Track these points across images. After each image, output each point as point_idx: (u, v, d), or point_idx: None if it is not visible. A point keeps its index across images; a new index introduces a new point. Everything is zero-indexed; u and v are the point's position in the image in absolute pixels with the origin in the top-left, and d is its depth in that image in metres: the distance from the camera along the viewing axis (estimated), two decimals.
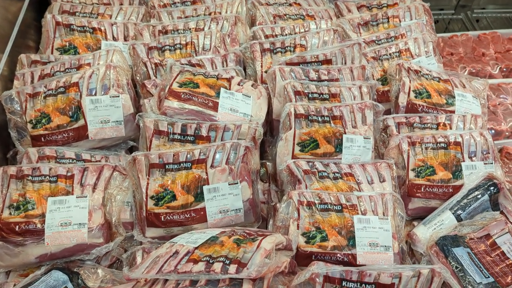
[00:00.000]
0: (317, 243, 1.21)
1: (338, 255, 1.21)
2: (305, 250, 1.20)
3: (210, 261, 1.02)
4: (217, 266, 1.00)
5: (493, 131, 1.75)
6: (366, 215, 1.26)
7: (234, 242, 1.08)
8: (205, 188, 1.27)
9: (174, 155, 1.29)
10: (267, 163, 1.49)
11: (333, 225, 1.23)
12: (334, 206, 1.26)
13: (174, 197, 1.27)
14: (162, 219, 1.26)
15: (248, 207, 1.30)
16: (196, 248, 1.08)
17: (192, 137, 1.34)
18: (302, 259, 1.21)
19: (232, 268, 0.98)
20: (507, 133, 1.75)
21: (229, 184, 1.28)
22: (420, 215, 1.43)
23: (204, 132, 1.34)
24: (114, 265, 1.32)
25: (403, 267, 1.05)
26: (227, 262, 1.00)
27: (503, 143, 1.71)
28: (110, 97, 1.39)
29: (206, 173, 1.28)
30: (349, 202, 1.28)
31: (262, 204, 1.43)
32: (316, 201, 1.26)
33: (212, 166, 1.29)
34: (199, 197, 1.27)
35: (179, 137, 1.34)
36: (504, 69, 2.04)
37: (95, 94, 1.39)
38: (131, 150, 1.51)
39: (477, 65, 2.02)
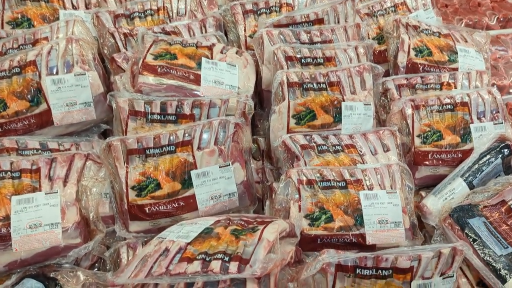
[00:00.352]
0: (322, 225, 1.10)
1: (346, 236, 1.10)
2: (309, 233, 1.10)
3: (207, 259, 0.90)
4: (216, 265, 0.88)
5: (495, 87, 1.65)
6: (373, 190, 1.15)
7: (232, 234, 0.96)
8: (193, 173, 1.14)
9: (154, 138, 1.15)
10: (259, 138, 1.36)
11: (338, 204, 1.12)
12: (338, 183, 1.15)
13: (158, 186, 1.13)
14: (147, 211, 1.13)
15: (242, 190, 1.18)
16: (188, 243, 0.96)
17: (173, 117, 1.20)
18: (306, 243, 1.10)
19: (233, 267, 0.87)
20: (510, 89, 1.65)
21: (219, 167, 1.15)
22: (428, 184, 1.34)
23: (187, 110, 1.20)
24: (96, 264, 1.19)
25: (422, 248, 0.96)
26: (227, 259, 0.89)
27: (506, 99, 1.62)
28: (74, 75, 1.22)
29: (193, 156, 1.14)
30: (353, 177, 1.17)
31: (257, 184, 1.31)
32: (318, 179, 1.15)
33: (199, 148, 1.15)
34: (187, 183, 1.14)
35: (158, 117, 1.19)
36: (502, 19, 1.93)
37: (57, 73, 1.22)
38: (105, 134, 1.35)
39: (473, 16, 1.90)
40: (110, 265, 1.16)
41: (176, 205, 1.14)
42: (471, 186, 1.23)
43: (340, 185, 1.15)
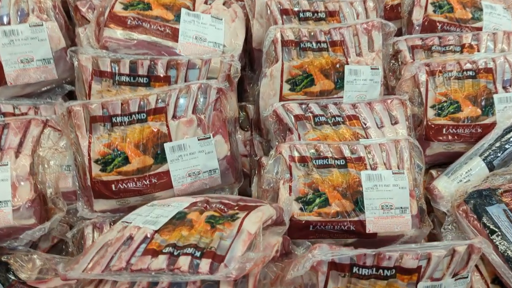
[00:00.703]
0: (315, 210, 0.96)
1: (343, 223, 0.96)
2: (300, 219, 0.95)
3: (175, 253, 0.76)
4: (184, 262, 0.74)
5: None
6: (377, 169, 1.00)
7: (207, 222, 0.82)
8: (167, 146, 0.98)
9: (122, 104, 0.99)
10: (248, 105, 1.19)
11: (335, 186, 0.97)
12: (336, 161, 0.99)
13: (126, 160, 0.98)
14: (113, 188, 0.98)
15: (225, 166, 1.02)
16: (156, 231, 0.82)
17: (145, 79, 1.03)
18: (296, 230, 0.96)
19: (205, 265, 0.73)
20: None
21: (198, 140, 0.99)
22: (440, 162, 1.18)
23: (161, 71, 1.02)
24: (58, 245, 1.06)
25: (433, 245, 0.81)
26: (198, 254, 0.75)
27: None
28: (30, 26, 1.04)
29: (167, 126, 0.98)
30: (354, 154, 1.01)
31: (244, 158, 1.16)
32: (313, 156, 0.99)
33: (174, 116, 0.99)
34: (160, 158, 0.98)
35: (127, 79, 1.02)
36: None
37: (8, 23, 1.04)
38: (71, 97, 1.18)
39: None
40: (73, 247, 1.03)
41: (147, 182, 0.99)
42: (491, 167, 1.08)
43: (338, 163, 0.99)
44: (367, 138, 1.06)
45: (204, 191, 1.06)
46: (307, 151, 1.00)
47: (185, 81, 1.03)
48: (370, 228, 0.96)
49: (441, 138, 1.13)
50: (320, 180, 0.98)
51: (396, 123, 1.10)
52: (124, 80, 1.02)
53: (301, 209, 0.95)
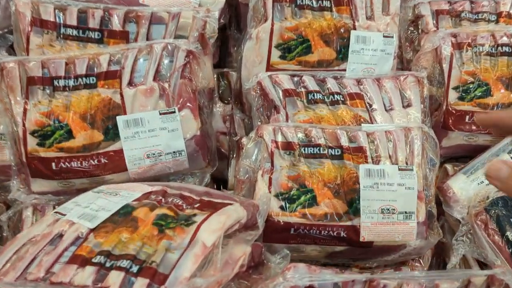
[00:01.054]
0: (299, 210, 0.78)
1: (332, 227, 0.78)
2: (279, 220, 0.78)
3: (107, 265, 0.60)
4: (115, 279, 0.58)
5: None
6: (380, 163, 0.81)
7: (155, 225, 0.65)
8: (120, 120, 0.80)
9: (67, 64, 0.81)
10: (231, 72, 1.00)
11: (326, 181, 0.79)
12: (330, 150, 0.81)
13: (69, 134, 0.80)
14: (54, 167, 0.81)
15: (194, 148, 0.84)
16: (92, 230, 0.66)
17: (97, 33, 0.83)
18: (274, 232, 0.79)
19: (139, 287, 0.56)
20: None
21: (160, 114, 0.81)
22: (458, 155, 0.99)
23: (116, 25, 0.83)
24: None
25: (442, 275, 0.64)
26: (134, 269, 0.58)
27: None
28: None
29: (121, 95, 0.80)
30: (353, 142, 0.82)
31: (222, 136, 0.98)
32: (302, 142, 0.81)
33: (131, 83, 0.81)
34: (112, 133, 0.81)
35: (75, 32, 0.83)
36: None
37: None
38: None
39: None
40: (8, 232, 0.88)
41: (96, 162, 0.81)
42: None
43: (333, 153, 0.81)
44: (371, 122, 0.87)
45: (169, 176, 0.89)
46: (294, 136, 0.81)
47: (147, 39, 0.83)
48: (364, 236, 0.79)
49: (462, 127, 0.94)
50: (308, 173, 0.79)
51: (408, 105, 0.91)
52: (71, 34, 0.82)
53: (281, 207, 0.78)
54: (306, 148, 0.80)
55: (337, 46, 0.91)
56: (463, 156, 0.99)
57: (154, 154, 0.82)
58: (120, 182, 0.83)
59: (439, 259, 0.95)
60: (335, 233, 0.78)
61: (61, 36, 0.82)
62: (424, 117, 0.93)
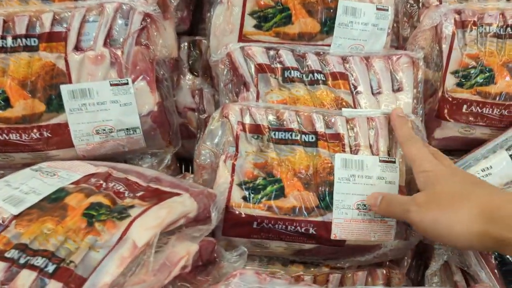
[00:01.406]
0: (264, 201, 0.69)
1: (300, 223, 0.70)
2: (240, 212, 0.69)
3: (20, 261, 0.53)
4: (24, 280, 0.50)
5: None
6: (359, 153, 0.72)
7: (85, 216, 0.56)
8: (64, 89, 0.71)
9: (6, 22, 0.71)
10: (204, 41, 0.89)
11: (296, 171, 0.70)
12: (304, 136, 0.72)
13: (7, 102, 0.72)
14: None
15: (150, 125, 0.75)
16: (16, 217, 0.58)
17: None
18: (235, 225, 0.71)
19: None
20: None
21: (111, 85, 0.71)
22: (452, 149, 0.90)
23: None
24: None
25: None
26: (50, 269, 0.51)
27: None
28: None
29: (66, 61, 0.70)
30: (330, 128, 0.73)
31: (191, 112, 0.88)
32: (272, 125, 0.72)
33: (77, 48, 0.71)
34: (55, 104, 0.72)
35: None
36: None
37: None
38: None
39: None
40: None
41: (38, 135, 0.73)
42: None
43: (306, 139, 0.72)
44: (354, 107, 0.77)
45: (125, 155, 0.80)
46: (264, 118, 0.72)
47: None
48: (336, 234, 0.70)
49: (458, 117, 0.84)
50: (276, 161, 0.70)
51: (399, 89, 0.81)
52: None
53: (245, 198, 0.69)
54: (276, 133, 0.71)
55: (322, 17, 0.80)
56: (458, 149, 0.89)
57: (104, 130, 0.73)
58: (68, 159, 0.75)
59: (420, 261, 0.87)
60: (303, 229, 0.70)
61: None
62: (417, 103, 0.82)
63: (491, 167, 0.80)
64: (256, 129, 0.71)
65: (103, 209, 0.57)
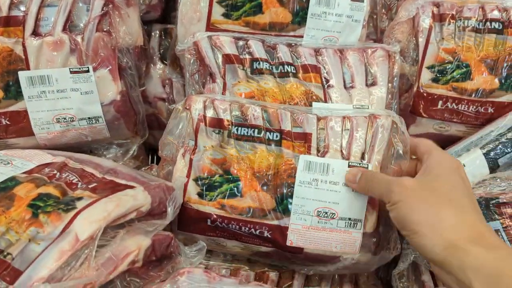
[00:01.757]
0: (219, 199, 0.66)
1: (254, 225, 0.65)
2: (195, 208, 0.66)
3: None
4: None
5: None
6: (326, 155, 0.66)
7: (30, 206, 0.54)
8: (22, 75, 0.69)
9: None
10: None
11: (256, 170, 0.66)
12: (268, 133, 0.67)
13: None
14: None
15: (113, 114, 0.74)
16: None
17: None
18: (190, 221, 0.68)
19: None
20: None
21: (71, 72, 0.70)
22: None
23: None
24: None
25: None
26: None
27: None
28: None
29: (24, 46, 0.68)
30: (298, 127, 0.69)
31: (161, 102, 0.86)
32: (235, 120, 0.68)
33: (36, 33, 0.69)
34: (13, 91, 0.70)
35: None
36: None
37: None
38: None
39: None
40: None
41: None
42: (493, 166, 0.77)
43: (270, 137, 0.67)
44: (325, 101, 0.75)
45: (89, 144, 0.78)
46: (228, 112, 0.68)
47: None
48: (292, 240, 0.65)
49: (433, 113, 0.82)
50: (235, 158, 0.67)
51: (373, 84, 0.78)
52: None
53: (200, 194, 0.67)
54: (238, 128, 0.67)
55: (294, 7, 0.78)
56: None
57: (65, 118, 0.72)
58: (29, 148, 0.73)
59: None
60: (257, 232, 0.66)
61: None
62: (391, 98, 0.80)
63: (464, 165, 0.78)
64: (218, 123, 0.67)
65: (51, 200, 0.56)
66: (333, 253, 0.66)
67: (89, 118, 0.72)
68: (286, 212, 0.65)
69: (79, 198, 0.56)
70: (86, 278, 0.49)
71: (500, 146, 0.78)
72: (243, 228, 0.66)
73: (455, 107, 0.81)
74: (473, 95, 0.80)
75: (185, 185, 0.66)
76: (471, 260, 0.46)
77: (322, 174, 0.64)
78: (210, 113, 0.68)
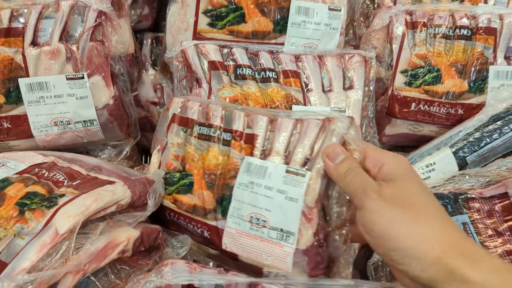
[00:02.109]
0: (174, 195, 0.64)
1: (197, 223, 0.62)
2: (163, 202, 0.65)
3: None
4: None
5: None
6: (267, 158, 0.57)
7: (18, 205, 0.56)
8: (22, 82, 0.71)
9: None
10: None
11: (205, 169, 0.61)
12: (224, 133, 0.61)
13: None
14: None
15: (107, 118, 0.75)
16: None
17: None
18: (159, 214, 0.66)
19: None
20: None
21: (67, 79, 0.71)
22: (402, 145, 0.90)
23: None
24: None
25: (332, 284, 0.54)
26: None
27: None
28: None
29: (24, 55, 0.70)
30: (249, 128, 0.60)
31: (153, 106, 0.89)
32: (199, 119, 0.63)
33: (34, 43, 0.70)
34: (14, 96, 0.72)
35: None
36: None
37: None
38: None
39: None
40: None
41: None
42: (462, 164, 0.78)
43: (224, 137, 0.61)
44: (305, 104, 0.77)
45: (85, 146, 0.81)
46: (195, 112, 0.63)
47: None
48: (226, 244, 0.58)
49: (407, 115, 0.83)
50: (191, 156, 0.62)
51: (350, 87, 0.80)
52: None
53: (165, 187, 0.64)
54: (201, 128, 0.62)
55: (275, 17, 0.79)
56: (408, 146, 0.89)
57: (62, 122, 0.74)
58: (29, 149, 0.75)
59: (368, 252, 0.87)
60: (199, 230, 0.61)
61: None
62: (368, 101, 0.82)
63: (434, 163, 0.80)
64: (185, 122, 0.64)
65: (37, 198, 0.56)
66: (266, 266, 0.57)
67: (84, 121, 0.74)
68: (225, 214, 0.58)
69: (62, 195, 0.56)
70: (65, 268, 0.50)
71: (468, 144, 0.79)
72: (189, 225, 0.62)
73: (427, 108, 0.83)
74: (444, 97, 0.81)
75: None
76: (459, 275, 0.41)
77: (259, 177, 0.56)
78: (181, 113, 0.65)
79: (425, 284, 0.43)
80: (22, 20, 0.70)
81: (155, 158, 0.67)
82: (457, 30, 0.81)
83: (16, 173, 0.62)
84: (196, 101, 0.65)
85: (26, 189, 0.58)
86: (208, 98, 0.74)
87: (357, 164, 0.50)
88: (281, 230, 0.54)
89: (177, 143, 0.64)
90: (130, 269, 0.60)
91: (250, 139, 0.59)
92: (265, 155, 0.58)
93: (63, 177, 0.61)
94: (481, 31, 0.81)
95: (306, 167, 0.55)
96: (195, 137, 0.63)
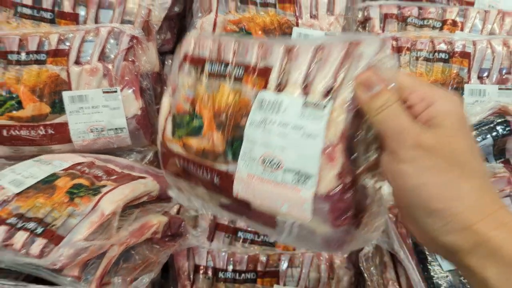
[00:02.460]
0: (183, 138, 0.51)
1: (206, 169, 0.49)
2: (168, 146, 0.53)
3: (18, 225, 0.62)
4: (20, 238, 0.60)
5: None
6: (283, 91, 0.43)
7: (68, 193, 0.66)
8: (66, 95, 0.81)
9: (21, 40, 0.81)
10: None
11: (216, 109, 0.49)
12: (236, 69, 0.48)
13: (19, 104, 0.81)
14: (5, 134, 0.83)
15: (135, 126, 0.85)
16: (17, 195, 0.67)
17: (50, 14, 0.83)
18: (167, 162, 0.54)
19: (37, 246, 0.58)
20: None
21: (104, 92, 0.81)
22: None
23: (68, 7, 0.83)
24: None
25: None
26: (39, 231, 0.60)
27: None
28: None
29: (68, 72, 0.80)
30: (264, 59, 0.46)
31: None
32: (213, 55, 0.51)
33: (77, 62, 0.81)
34: (58, 107, 0.81)
35: (30, 11, 0.83)
36: None
37: None
38: None
39: None
40: None
41: (43, 132, 0.82)
42: None
43: (236, 73, 0.48)
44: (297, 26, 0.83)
45: (115, 151, 0.89)
46: (207, 48, 0.51)
47: (96, 22, 0.83)
48: (238, 191, 0.46)
49: None
50: (201, 96, 0.50)
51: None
52: (27, 13, 0.83)
53: (172, 131, 0.52)
54: (212, 65, 0.51)
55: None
56: None
57: (97, 129, 0.83)
58: (67, 153, 0.84)
59: None
60: (209, 177, 0.49)
61: (18, 14, 0.83)
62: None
63: None
64: (197, 61, 0.51)
65: (83, 188, 0.66)
66: (281, 214, 0.44)
67: (116, 128, 0.84)
68: (235, 157, 0.46)
69: (104, 186, 0.67)
70: (111, 240, 0.59)
71: None
72: (198, 171, 0.50)
73: None
74: None
75: (165, 124, 0.53)
76: (489, 246, 0.35)
77: (272, 112, 0.44)
78: (193, 51, 0.52)
79: (447, 249, 0.37)
80: (67, 43, 0.80)
81: (165, 101, 0.54)
82: (436, 54, 0.91)
83: (62, 170, 0.72)
84: (209, 38, 0.52)
85: (73, 181, 0.67)
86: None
87: (395, 98, 0.38)
88: (298, 172, 0.42)
89: (187, 84, 0.52)
90: (160, 248, 0.69)
91: (264, 73, 0.46)
92: (280, 88, 0.45)
93: (102, 173, 0.70)
94: (457, 54, 0.90)
95: (328, 97, 0.42)
96: (206, 76, 0.51)
